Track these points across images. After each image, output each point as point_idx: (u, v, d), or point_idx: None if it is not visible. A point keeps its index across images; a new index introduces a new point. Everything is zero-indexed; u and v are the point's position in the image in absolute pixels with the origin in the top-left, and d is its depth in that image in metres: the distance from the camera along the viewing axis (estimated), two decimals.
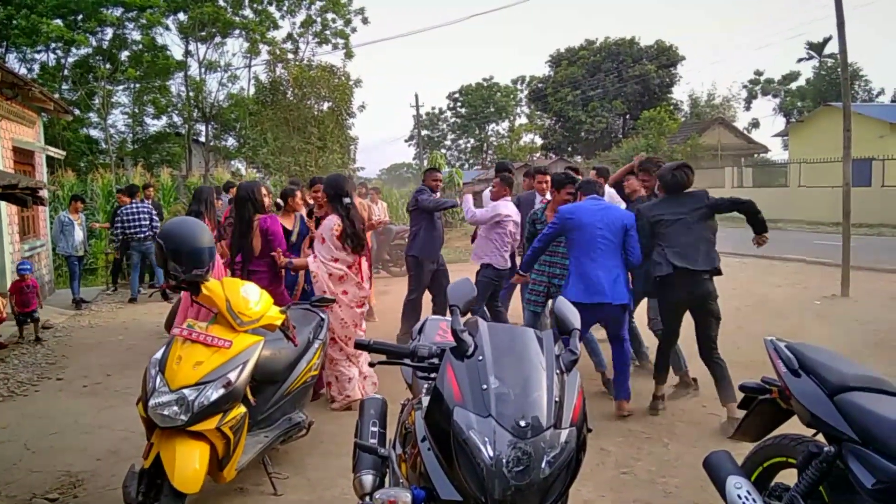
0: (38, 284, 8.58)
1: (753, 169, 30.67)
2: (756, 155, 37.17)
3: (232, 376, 3.23)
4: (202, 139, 30.14)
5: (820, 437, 2.50)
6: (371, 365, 2.51)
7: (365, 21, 31.09)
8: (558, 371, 1.93)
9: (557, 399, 1.83)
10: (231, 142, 31.11)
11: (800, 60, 47.99)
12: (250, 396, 3.48)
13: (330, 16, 30.61)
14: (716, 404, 4.91)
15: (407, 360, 2.24)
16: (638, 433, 4.58)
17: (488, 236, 6.44)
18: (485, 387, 1.82)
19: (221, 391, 3.17)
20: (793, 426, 2.70)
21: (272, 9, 30.29)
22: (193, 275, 3.45)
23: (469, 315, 2.38)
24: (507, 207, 6.46)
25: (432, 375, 2.12)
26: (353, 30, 30.85)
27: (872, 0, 50.33)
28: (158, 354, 3.31)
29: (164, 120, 30.39)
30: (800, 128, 32.80)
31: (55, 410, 5.45)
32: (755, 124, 51.35)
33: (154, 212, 11.30)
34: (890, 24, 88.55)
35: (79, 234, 10.77)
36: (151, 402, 3.08)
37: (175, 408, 3.07)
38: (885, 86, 59.31)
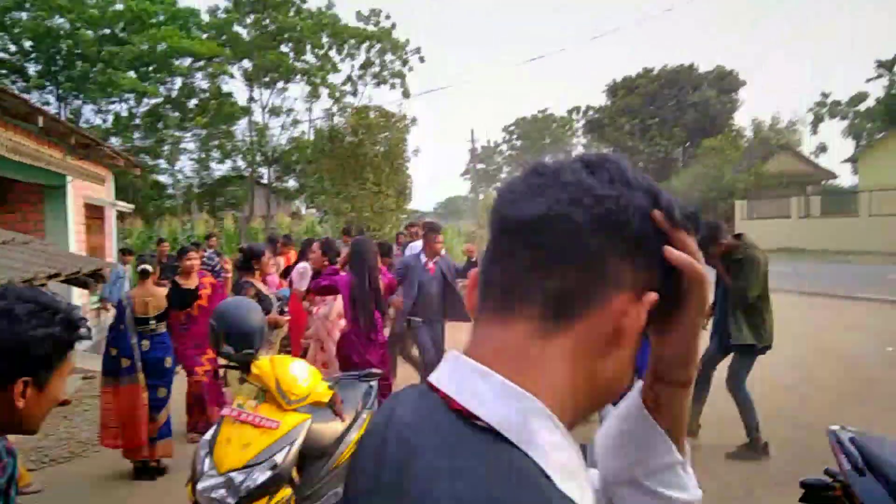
0: None
1: (821, 197, 29.35)
2: (823, 182, 35.67)
3: (278, 458, 3.25)
4: (265, 181, 31.11)
5: None
6: None
7: (422, 60, 31.70)
8: None
9: None
10: (292, 183, 32.00)
11: (869, 80, 45.75)
12: (295, 476, 3.50)
13: (388, 56, 31.31)
14: (802, 467, 4.67)
15: None
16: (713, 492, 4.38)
17: None
18: None
19: (268, 474, 3.20)
20: None
21: (332, 52, 31.20)
22: (244, 354, 3.54)
23: None
24: None
25: None
26: (410, 69, 31.49)
27: None
28: (209, 435, 3.38)
29: (228, 164, 31.55)
30: (869, 152, 31.09)
31: (116, 476, 5.30)
32: (822, 149, 49.45)
33: (215, 260, 11.70)
34: None
35: (126, 285, 10.34)
36: (200, 486, 3.13)
37: (222, 491, 3.11)
38: None
